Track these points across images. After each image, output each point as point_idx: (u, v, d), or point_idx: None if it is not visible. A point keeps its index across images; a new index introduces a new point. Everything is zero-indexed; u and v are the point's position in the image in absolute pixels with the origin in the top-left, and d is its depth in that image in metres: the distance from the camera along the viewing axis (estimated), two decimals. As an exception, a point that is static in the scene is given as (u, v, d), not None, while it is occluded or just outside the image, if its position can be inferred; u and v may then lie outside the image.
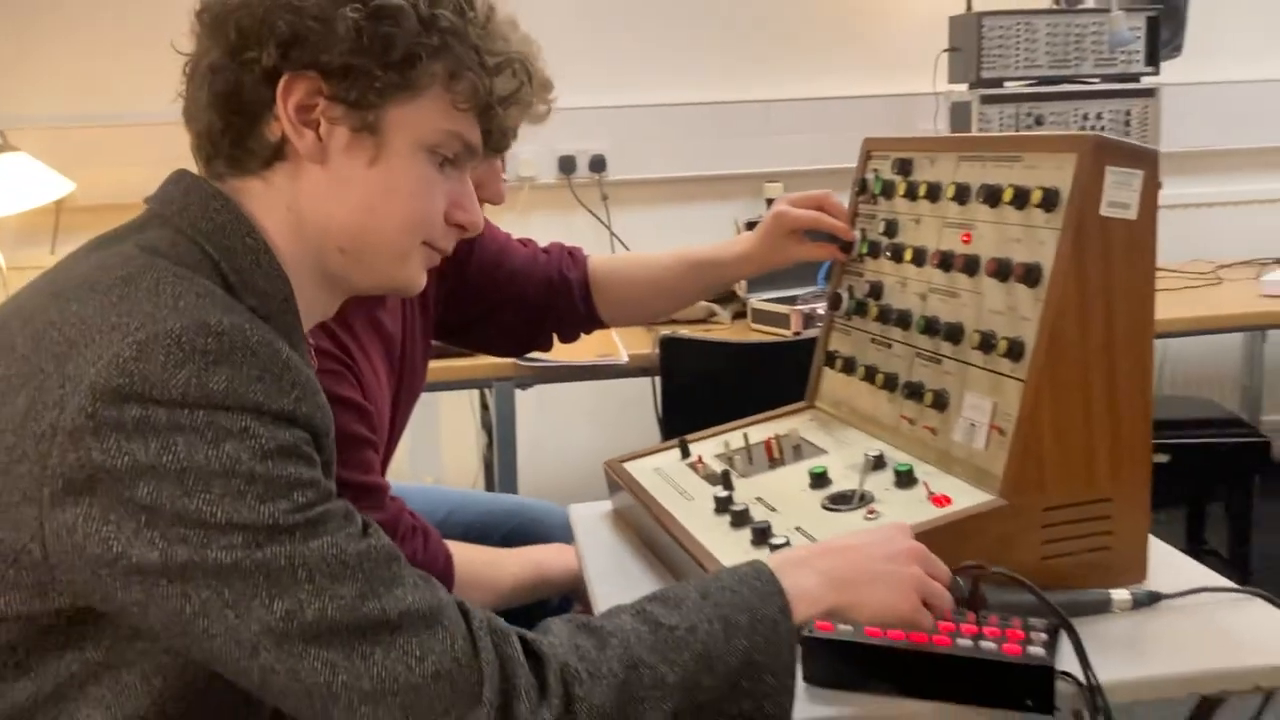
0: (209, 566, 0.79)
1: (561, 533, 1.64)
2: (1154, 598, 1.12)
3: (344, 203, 0.95)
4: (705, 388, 2.29)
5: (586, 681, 0.84)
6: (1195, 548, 2.85)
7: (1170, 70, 2.90)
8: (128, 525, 0.78)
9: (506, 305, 1.58)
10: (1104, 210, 1.10)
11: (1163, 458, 2.71)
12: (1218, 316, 2.65)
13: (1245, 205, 3.43)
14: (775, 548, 1.12)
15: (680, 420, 2.20)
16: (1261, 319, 2.76)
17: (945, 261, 1.26)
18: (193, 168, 0.98)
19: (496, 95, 0.97)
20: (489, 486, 2.75)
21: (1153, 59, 2.81)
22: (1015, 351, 1.13)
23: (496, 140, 1.00)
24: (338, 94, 0.92)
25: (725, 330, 2.60)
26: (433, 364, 1.58)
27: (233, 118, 0.93)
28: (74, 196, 2.81)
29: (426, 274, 1.03)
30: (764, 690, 0.90)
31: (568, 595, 1.60)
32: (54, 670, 0.85)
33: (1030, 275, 1.13)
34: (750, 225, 1.58)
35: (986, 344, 1.17)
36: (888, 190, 1.40)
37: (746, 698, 0.90)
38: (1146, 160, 1.11)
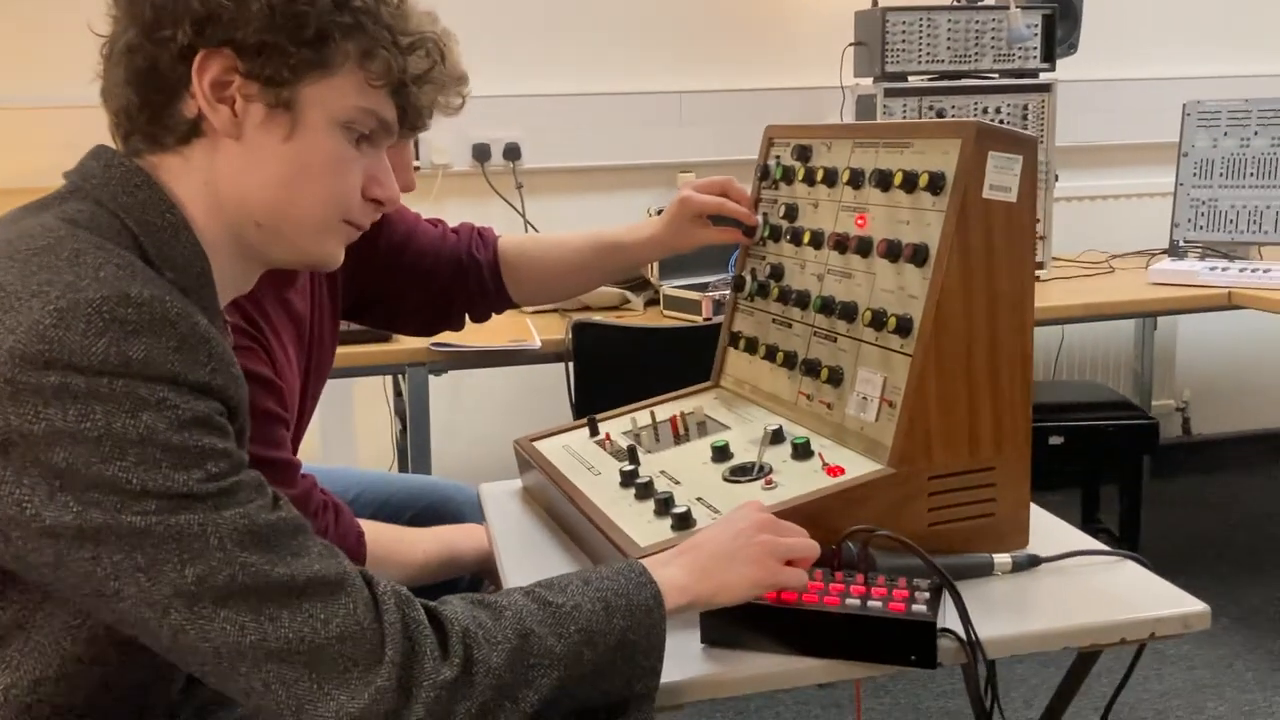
0: (122, 530, 0.80)
1: (471, 512, 1.66)
2: (1034, 561, 1.19)
3: (260, 178, 0.96)
4: (617, 372, 2.31)
5: (484, 646, 0.89)
6: (1089, 527, 2.97)
7: (1066, 67, 3.00)
8: (42, 488, 0.80)
9: (415, 285, 1.59)
10: (986, 193, 1.15)
11: (1058, 439, 2.83)
12: (1110, 304, 2.74)
13: (1136, 198, 3.57)
14: (678, 517, 1.16)
15: (593, 404, 2.20)
16: (1150, 306, 2.87)
17: (841, 244, 1.31)
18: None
19: (410, 73, 0.99)
20: (402, 471, 2.75)
21: (1049, 56, 2.90)
22: (904, 328, 1.18)
23: (412, 118, 1.03)
24: (252, 71, 0.93)
25: (638, 316, 2.64)
26: (346, 350, 1.59)
27: (150, 95, 0.95)
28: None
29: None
30: (635, 670, 0.96)
31: (478, 575, 1.62)
32: (-38, 633, 0.86)
33: (918, 255, 1.18)
34: (660, 212, 1.61)
35: (878, 321, 1.22)
36: (788, 176, 1.45)
37: (619, 675, 0.95)
38: (1026, 146, 1.17)
